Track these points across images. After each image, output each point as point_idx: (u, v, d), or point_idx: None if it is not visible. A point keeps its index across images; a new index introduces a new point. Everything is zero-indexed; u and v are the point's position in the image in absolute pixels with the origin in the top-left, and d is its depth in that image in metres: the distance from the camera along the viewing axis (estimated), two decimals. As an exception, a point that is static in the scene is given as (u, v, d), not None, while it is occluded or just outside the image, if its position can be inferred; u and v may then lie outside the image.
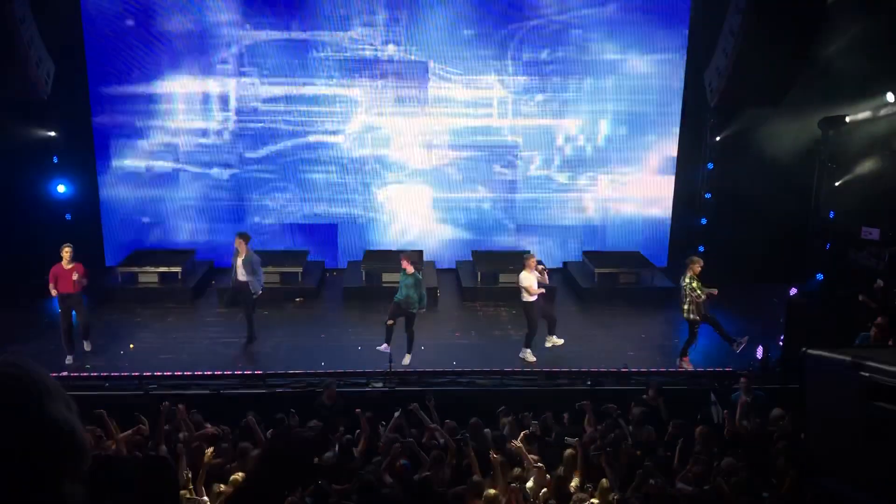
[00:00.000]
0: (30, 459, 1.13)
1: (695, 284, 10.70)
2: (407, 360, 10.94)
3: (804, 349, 3.54)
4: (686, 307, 10.86)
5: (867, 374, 2.98)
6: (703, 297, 10.70)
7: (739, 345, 10.87)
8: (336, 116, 14.71)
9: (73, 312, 10.79)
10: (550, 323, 11.56)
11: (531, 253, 11.68)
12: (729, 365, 10.81)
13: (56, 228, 13.71)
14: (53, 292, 10.62)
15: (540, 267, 11.26)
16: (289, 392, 9.86)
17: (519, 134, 14.95)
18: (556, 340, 11.57)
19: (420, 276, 11.07)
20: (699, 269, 10.76)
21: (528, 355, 11.28)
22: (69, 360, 10.68)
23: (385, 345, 10.84)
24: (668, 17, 14.40)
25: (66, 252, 10.56)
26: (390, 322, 10.90)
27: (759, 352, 11.01)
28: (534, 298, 11.07)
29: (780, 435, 7.97)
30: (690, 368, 10.95)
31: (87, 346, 11.05)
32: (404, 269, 10.93)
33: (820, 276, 13.83)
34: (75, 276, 10.53)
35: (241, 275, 11.34)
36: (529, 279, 11.03)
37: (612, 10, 14.41)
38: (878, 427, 2.99)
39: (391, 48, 14.38)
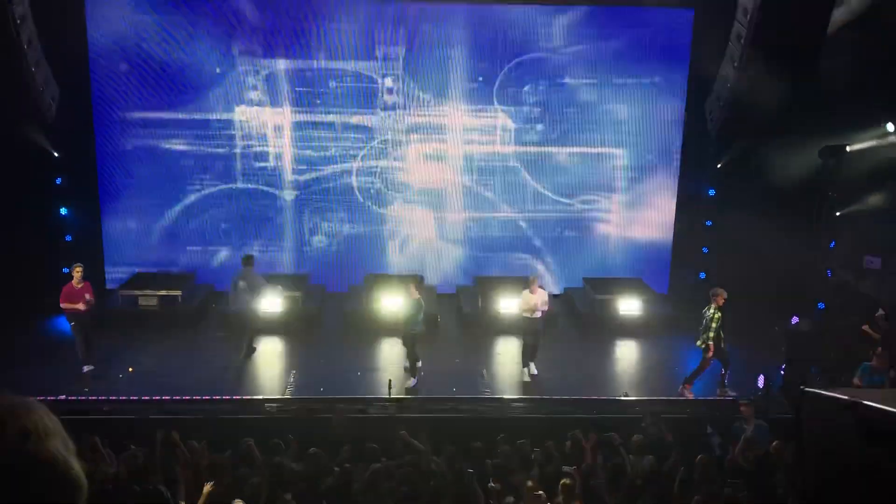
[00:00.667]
0: (24, 496, 1.13)
1: (717, 316, 10.68)
2: (411, 383, 10.94)
3: (802, 387, 3.54)
4: (703, 336, 10.82)
5: (864, 416, 2.98)
6: (714, 330, 10.68)
7: (724, 392, 10.90)
8: (338, 144, 14.80)
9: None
10: (532, 350, 11.61)
11: (536, 274, 11.89)
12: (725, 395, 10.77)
13: (56, 250, 13.79)
14: (69, 308, 10.79)
15: (539, 293, 11.37)
16: (288, 417, 9.81)
17: (520, 161, 15.01)
18: (530, 371, 11.62)
19: (422, 302, 11.14)
20: (723, 301, 10.75)
21: (527, 373, 11.49)
22: (87, 368, 10.96)
23: (413, 379, 11.07)
24: (670, 47, 14.51)
25: (77, 271, 10.83)
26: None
27: (761, 381, 10.98)
28: (530, 315, 11.29)
29: (779, 466, 7.91)
30: (691, 397, 10.90)
31: (85, 369, 11.05)
32: (410, 296, 11.02)
33: (821, 305, 13.81)
34: (87, 297, 10.80)
35: (250, 298, 11.85)
36: (527, 297, 11.30)
37: (614, 40, 14.52)
38: (874, 469, 2.98)
39: (388, 81, 14.49)
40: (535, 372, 11.61)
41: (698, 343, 10.88)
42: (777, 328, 12.81)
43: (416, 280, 11.40)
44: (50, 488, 1.16)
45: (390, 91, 14.60)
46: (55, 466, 1.17)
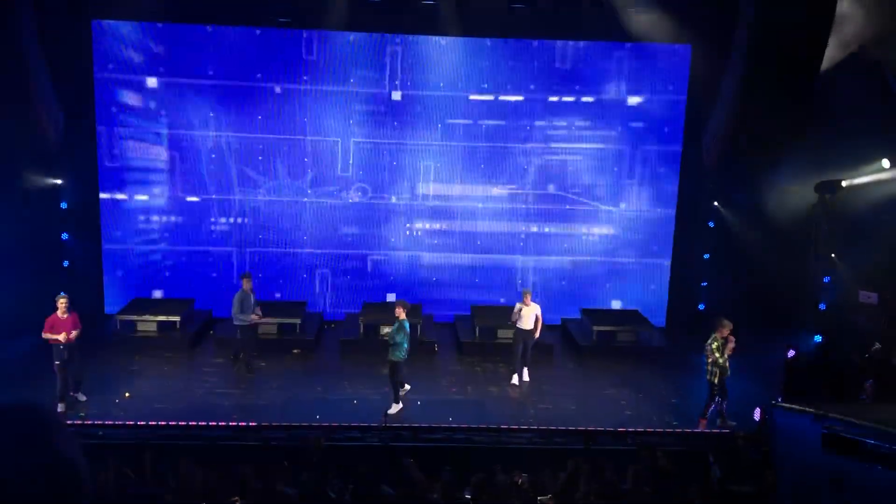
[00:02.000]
0: (37, 490, 1.19)
1: (714, 346, 10.78)
2: (394, 409, 10.95)
3: (773, 402, 3.63)
4: (708, 368, 10.93)
5: (828, 426, 3.05)
6: (719, 361, 10.74)
7: (724, 424, 10.95)
8: (338, 169, 14.93)
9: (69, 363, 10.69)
10: (522, 362, 12.38)
11: (528, 288, 12.75)
12: (727, 427, 10.76)
13: (57, 274, 13.86)
14: (51, 339, 10.53)
15: (531, 305, 12.21)
16: (283, 445, 9.78)
17: (516, 194, 15.13)
18: (521, 379, 12.43)
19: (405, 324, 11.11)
20: (727, 332, 10.83)
21: (516, 378, 12.34)
22: (61, 407, 10.61)
23: (394, 405, 11.05)
24: (668, 83, 14.71)
25: (62, 303, 10.55)
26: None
27: (757, 413, 10.96)
28: (523, 327, 12.16)
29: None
30: (706, 430, 10.96)
31: (81, 398, 10.98)
32: (397, 317, 11.05)
33: (818, 339, 13.83)
34: (74, 333, 10.54)
35: (255, 314, 12.25)
36: (518, 309, 12.21)
37: (611, 76, 14.73)
38: (838, 476, 3.05)
39: (396, 94, 14.67)
40: (527, 378, 12.43)
41: (707, 376, 10.99)
42: (773, 361, 12.78)
43: (402, 302, 11.35)
44: (60, 486, 1.22)
45: (395, 111, 14.79)
46: (67, 466, 1.23)
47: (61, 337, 10.45)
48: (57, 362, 10.55)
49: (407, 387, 11.44)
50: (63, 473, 1.23)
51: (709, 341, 10.93)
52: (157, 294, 14.97)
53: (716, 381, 10.88)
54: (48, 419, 1.26)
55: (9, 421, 1.24)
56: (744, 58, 12.11)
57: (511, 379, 12.42)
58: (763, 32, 11.62)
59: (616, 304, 15.40)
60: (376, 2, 13.85)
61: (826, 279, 13.70)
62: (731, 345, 10.82)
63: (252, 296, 12.24)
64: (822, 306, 13.57)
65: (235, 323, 12.25)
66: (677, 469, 9.00)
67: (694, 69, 14.49)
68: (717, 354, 10.75)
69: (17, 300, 12.82)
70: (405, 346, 10.99)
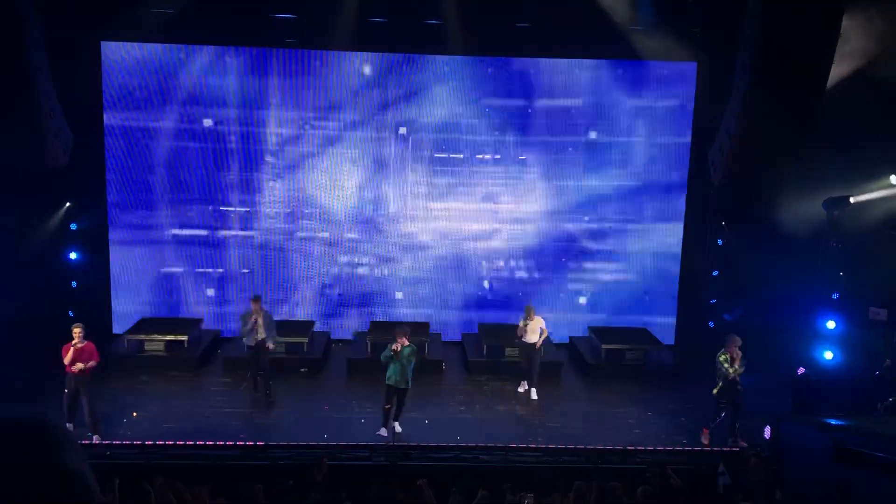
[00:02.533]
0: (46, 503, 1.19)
1: (722, 358, 10.92)
2: (398, 428, 10.90)
3: (779, 419, 3.62)
4: (718, 383, 11.00)
5: (838, 438, 3.02)
6: (730, 375, 10.79)
7: (735, 442, 10.90)
8: (345, 189, 14.99)
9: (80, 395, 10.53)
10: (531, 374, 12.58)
11: (531, 305, 12.85)
12: (736, 445, 10.67)
13: (64, 295, 13.95)
14: (67, 363, 10.40)
15: (535, 320, 12.44)
16: (290, 463, 9.75)
17: (524, 212, 15.14)
18: (529, 392, 12.61)
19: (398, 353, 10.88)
20: (735, 347, 10.90)
21: (524, 385, 12.63)
22: (69, 427, 10.54)
23: (384, 429, 10.87)
24: (674, 100, 14.76)
25: (77, 332, 10.46)
26: (388, 406, 10.91)
27: (768, 432, 10.87)
28: (528, 341, 12.43)
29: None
30: (706, 442, 11.00)
31: (96, 440, 10.43)
32: (402, 345, 10.83)
33: (828, 356, 13.72)
34: (91, 363, 10.47)
35: (261, 334, 12.09)
36: (524, 324, 12.46)
37: (618, 93, 14.77)
38: (846, 486, 3.02)
39: (402, 130, 14.75)
40: (535, 398, 12.49)
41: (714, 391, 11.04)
42: (783, 378, 12.71)
43: (402, 329, 11.13)
44: (68, 498, 1.22)
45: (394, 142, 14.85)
46: (74, 479, 1.23)
47: (74, 368, 10.35)
48: (66, 390, 10.49)
49: (383, 430, 10.94)
50: (72, 487, 1.22)
51: (718, 355, 11.02)
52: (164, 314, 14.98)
53: (724, 398, 10.88)
54: (57, 433, 1.26)
55: (17, 434, 1.23)
56: (749, 74, 12.11)
57: (519, 385, 12.80)
58: (768, 48, 11.63)
59: (623, 323, 15.30)
60: (381, 22, 13.96)
61: (835, 296, 13.62)
62: (737, 360, 10.84)
63: (257, 317, 12.12)
64: (831, 324, 13.47)
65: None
66: (687, 487, 8.93)
67: (700, 86, 14.53)
68: (727, 365, 10.82)
69: (26, 319, 12.90)
70: (390, 371, 10.82)
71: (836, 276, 13.71)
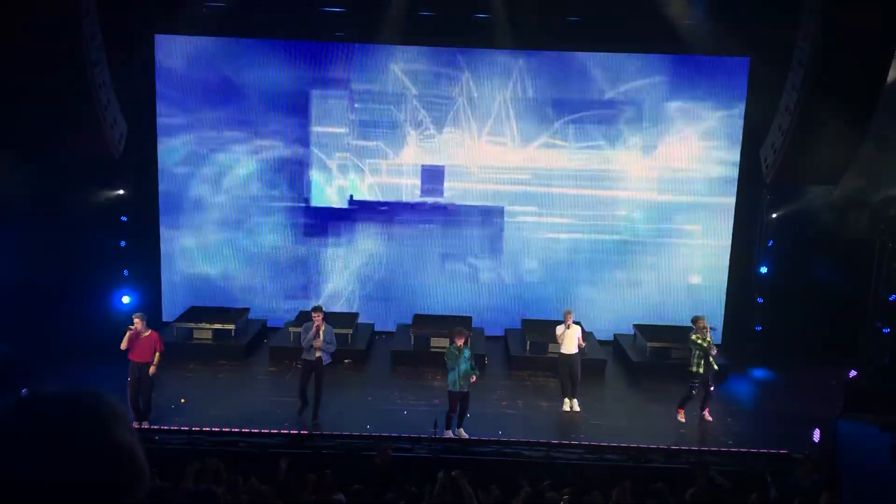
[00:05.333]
0: (94, 478, 1.23)
1: (694, 337, 11.37)
2: (463, 434, 10.81)
3: (836, 418, 3.54)
4: (694, 363, 11.41)
5: None
6: (707, 348, 11.24)
7: (701, 417, 11.51)
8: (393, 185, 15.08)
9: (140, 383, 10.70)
10: (573, 383, 11.96)
11: (568, 309, 12.04)
12: (784, 447, 10.47)
13: (116, 283, 14.33)
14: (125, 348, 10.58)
15: (573, 328, 11.84)
16: (334, 453, 9.86)
17: (570, 206, 15.05)
18: (572, 404, 11.94)
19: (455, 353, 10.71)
20: (703, 326, 11.39)
21: (567, 403, 11.92)
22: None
23: (449, 431, 10.75)
24: (726, 96, 14.51)
25: (137, 322, 10.59)
26: (454, 414, 10.78)
27: (817, 435, 10.66)
28: (566, 351, 11.76)
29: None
30: (682, 420, 11.50)
31: (143, 426, 10.62)
32: (457, 345, 10.65)
33: (887, 360, 13.39)
34: (156, 359, 10.61)
35: (319, 350, 10.96)
36: (560, 333, 11.80)
37: (668, 87, 14.58)
38: None
39: (449, 133, 14.78)
40: (578, 409, 11.85)
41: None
42: (834, 382, 12.45)
43: (460, 330, 10.89)
44: (120, 472, 1.26)
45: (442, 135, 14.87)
46: (125, 451, 1.27)
47: (138, 358, 10.55)
48: (129, 379, 10.64)
49: (449, 432, 10.74)
50: (123, 462, 1.26)
51: (690, 336, 11.46)
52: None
53: (699, 370, 11.31)
54: (109, 408, 1.30)
55: (70, 407, 1.28)
56: (805, 70, 11.85)
57: (563, 405, 11.93)
58: (826, 44, 11.37)
59: (670, 321, 15.10)
60: (431, 15, 13.98)
61: (892, 297, 13.28)
62: (708, 336, 11.39)
63: (319, 329, 10.95)
64: (885, 328, 13.16)
65: None
66: (733, 489, 8.80)
67: (752, 81, 14.25)
68: (701, 341, 11.28)
69: (81, 307, 13.28)
70: (451, 374, 10.58)
71: (891, 277, 13.37)
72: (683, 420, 11.57)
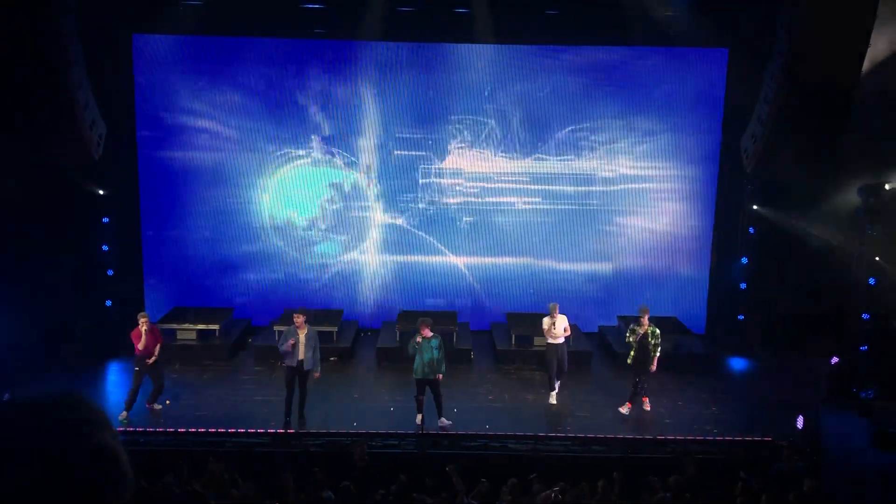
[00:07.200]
0: (76, 481, 1.22)
1: (633, 326, 11.53)
2: (444, 422, 10.87)
3: (817, 406, 3.58)
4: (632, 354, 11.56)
5: (877, 423, 2.99)
6: (641, 333, 11.34)
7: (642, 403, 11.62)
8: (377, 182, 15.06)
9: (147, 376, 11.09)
10: (558, 373, 11.98)
11: (555, 303, 12.05)
12: (768, 435, 10.58)
13: (99, 284, 14.20)
14: (141, 347, 10.93)
15: (558, 318, 11.86)
16: (321, 451, 9.86)
17: (550, 201, 15.08)
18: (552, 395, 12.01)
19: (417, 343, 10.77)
20: (643, 315, 11.49)
21: (554, 396, 11.89)
22: (123, 415, 10.82)
23: (419, 415, 10.84)
24: (705, 87, 14.58)
25: (143, 321, 11.00)
26: (421, 397, 10.87)
27: (800, 422, 10.77)
28: (552, 341, 11.78)
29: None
30: (625, 412, 11.51)
31: (156, 407, 11.21)
32: (424, 336, 10.72)
33: (864, 348, 13.53)
34: (157, 350, 11.08)
35: (303, 353, 10.71)
36: (547, 323, 11.81)
37: (647, 79, 14.63)
38: (886, 472, 2.99)
39: (456, 142, 14.77)
40: (554, 402, 11.93)
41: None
42: (816, 368, 12.57)
43: (424, 320, 11.00)
44: (101, 475, 1.26)
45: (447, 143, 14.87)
46: (107, 454, 1.27)
47: (140, 346, 10.95)
48: (137, 368, 11.04)
49: (419, 416, 10.88)
50: (105, 465, 1.26)
51: (644, 329, 11.43)
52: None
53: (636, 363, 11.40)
54: (91, 411, 1.29)
55: (52, 411, 1.27)
56: (783, 59, 11.93)
57: (549, 397, 11.97)
58: (802, 34, 11.45)
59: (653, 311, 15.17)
60: (410, 10, 13.94)
61: (871, 281, 13.42)
62: (644, 327, 11.40)
63: (300, 335, 10.73)
64: (865, 314, 13.30)
65: None
66: (714, 476, 8.88)
67: (731, 72, 14.34)
68: (640, 330, 11.34)
69: (62, 309, 13.16)
70: (416, 363, 10.74)
71: (872, 263, 13.51)
72: (626, 412, 11.54)
